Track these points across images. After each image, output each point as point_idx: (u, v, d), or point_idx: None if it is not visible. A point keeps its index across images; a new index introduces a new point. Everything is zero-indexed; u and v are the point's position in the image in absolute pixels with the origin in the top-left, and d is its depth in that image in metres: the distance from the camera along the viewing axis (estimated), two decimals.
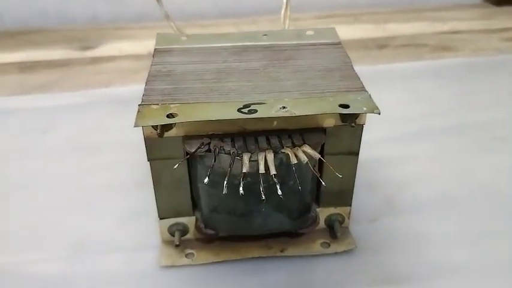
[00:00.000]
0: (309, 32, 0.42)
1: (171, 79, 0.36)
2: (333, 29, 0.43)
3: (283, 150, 0.32)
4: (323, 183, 0.33)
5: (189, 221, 0.39)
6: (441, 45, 0.78)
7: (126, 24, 0.83)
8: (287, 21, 0.46)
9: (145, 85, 0.35)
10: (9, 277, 0.39)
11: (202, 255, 0.39)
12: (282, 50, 0.40)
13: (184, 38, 0.42)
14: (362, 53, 0.75)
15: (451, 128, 0.57)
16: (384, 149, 0.53)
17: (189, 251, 0.39)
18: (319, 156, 0.33)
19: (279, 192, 0.31)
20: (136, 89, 0.63)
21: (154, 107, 0.32)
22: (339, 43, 0.41)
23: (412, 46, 0.78)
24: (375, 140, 0.52)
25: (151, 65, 0.38)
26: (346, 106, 0.32)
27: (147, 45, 0.75)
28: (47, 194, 0.47)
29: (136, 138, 0.53)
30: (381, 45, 0.78)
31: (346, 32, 0.43)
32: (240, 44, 0.41)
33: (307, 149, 0.32)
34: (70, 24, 0.81)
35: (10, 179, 0.49)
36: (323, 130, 0.34)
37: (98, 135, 0.55)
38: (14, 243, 0.42)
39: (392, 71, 0.70)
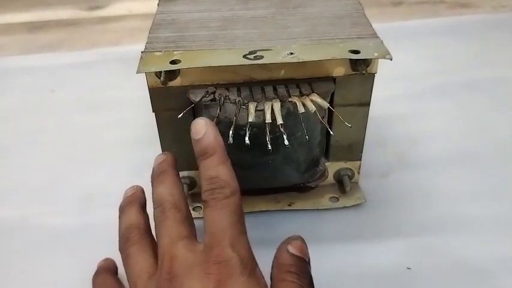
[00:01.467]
0: None
1: (176, 27, 0.35)
2: None
3: (290, 99, 0.31)
4: (331, 132, 0.32)
5: (196, 174, 0.38)
6: (459, 2, 0.75)
7: None
8: None
9: (149, 33, 0.34)
10: (21, 229, 0.40)
11: None
12: None
13: None
14: (376, 10, 0.72)
15: (467, 85, 0.55)
16: (398, 106, 0.51)
17: (196, 204, 0.39)
18: (328, 105, 0.32)
19: (286, 142, 0.30)
20: (144, 47, 0.63)
21: (158, 53, 0.31)
22: None
23: (429, 3, 0.75)
24: (389, 97, 0.51)
25: (156, 14, 0.37)
26: (356, 52, 0.30)
27: (155, 4, 0.73)
28: (57, 150, 0.47)
29: (145, 96, 0.53)
30: (396, 2, 0.75)
31: None
32: None
33: (316, 97, 0.31)
34: None
35: (20, 135, 0.49)
36: (333, 79, 0.33)
37: (106, 93, 0.55)
38: (25, 197, 0.43)
39: (408, 28, 0.67)
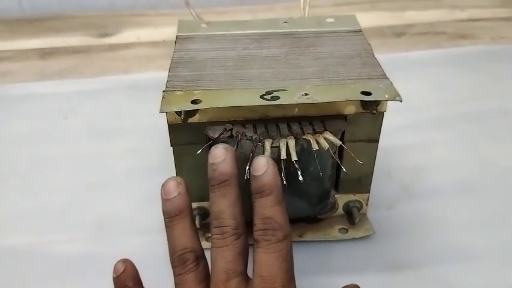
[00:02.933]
0: (329, 20, 0.43)
1: (194, 66, 0.36)
2: (353, 16, 0.43)
3: (304, 137, 0.33)
4: (344, 169, 0.33)
5: (208, 205, 0.39)
6: (459, 33, 0.77)
7: (144, 11, 0.83)
8: (307, 8, 0.46)
9: (169, 71, 0.36)
10: (32, 256, 0.41)
11: None
12: (303, 37, 0.40)
13: (205, 25, 0.43)
14: (379, 41, 0.74)
15: (469, 116, 0.56)
16: (401, 137, 0.53)
17: (209, 234, 0.40)
18: (340, 142, 0.33)
19: (300, 178, 0.32)
20: (153, 76, 0.65)
21: (179, 93, 0.33)
22: (360, 30, 0.41)
23: (430, 34, 0.77)
24: (392, 128, 0.52)
25: (174, 51, 0.38)
26: (368, 93, 0.32)
27: (164, 32, 0.75)
28: (68, 177, 0.49)
29: (155, 124, 0.54)
30: (398, 32, 0.77)
31: (362, 19, 0.43)
32: (261, 31, 0.41)
33: (329, 135, 0.33)
34: (88, 11, 0.81)
35: (31, 162, 0.50)
36: (344, 117, 0.35)
37: (117, 121, 0.56)
38: (35, 224, 0.44)
39: (410, 59, 0.70)
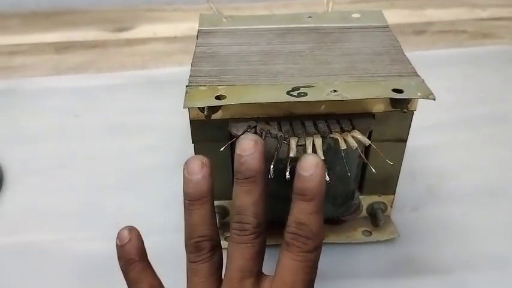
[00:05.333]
0: (355, 15, 0.41)
1: (217, 60, 0.35)
2: (380, 11, 0.42)
3: (331, 135, 0.32)
4: (373, 170, 0.32)
5: (229, 204, 0.38)
6: (481, 32, 0.75)
7: (159, 6, 0.82)
8: (331, 4, 0.45)
9: (192, 66, 0.34)
10: (52, 255, 0.40)
11: None
12: (328, 33, 0.39)
13: (226, 20, 0.41)
14: (399, 39, 0.72)
15: (493, 117, 0.55)
16: (423, 138, 0.51)
17: (228, 234, 0.39)
18: (370, 142, 0.32)
19: (327, 178, 0.31)
20: (170, 71, 0.64)
21: (202, 88, 0.32)
22: (387, 26, 0.40)
23: (451, 32, 0.75)
24: (413, 128, 0.51)
25: (196, 45, 0.37)
26: (399, 91, 0.31)
27: (180, 27, 0.74)
28: (86, 174, 0.48)
29: (173, 121, 0.53)
30: (418, 30, 0.75)
31: None
32: (284, 26, 0.40)
33: (357, 134, 0.32)
34: (104, 5, 0.81)
35: (49, 159, 0.50)
36: (372, 115, 0.34)
37: (135, 117, 0.55)
38: (55, 221, 0.43)
39: (431, 57, 0.68)
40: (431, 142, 0.51)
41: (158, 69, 0.64)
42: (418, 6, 0.85)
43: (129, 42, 0.71)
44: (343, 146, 0.31)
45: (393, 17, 0.81)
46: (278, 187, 0.35)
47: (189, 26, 0.74)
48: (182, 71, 0.63)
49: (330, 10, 0.45)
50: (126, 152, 0.50)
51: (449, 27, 0.77)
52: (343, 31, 0.39)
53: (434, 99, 0.30)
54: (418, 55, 0.68)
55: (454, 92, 0.61)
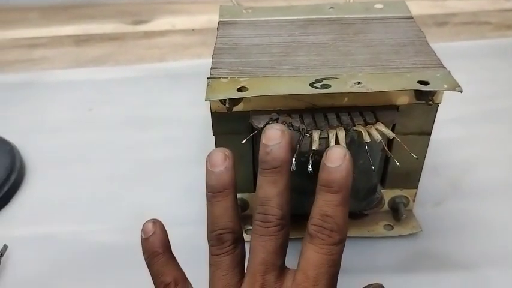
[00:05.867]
0: (378, 5, 0.41)
1: (238, 52, 0.35)
2: (403, 2, 0.41)
3: (355, 128, 0.31)
4: (397, 163, 0.31)
5: (249, 197, 0.38)
6: (505, 24, 0.74)
7: None
8: None
9: (213, 58, 0.34)
10: (71, 246, 0.40)
11: None
12: (350, 24, 0.38)
13: (247, 11, 0.41)
14: None
15: None
16: (446, 131, 0.50)
17: (248, 227, 0.39)
18: (394, 135, 0.31)
19: None
20: (189, 64, 0.64)
21: (224, 80, 0.31)
22: (411, 17, 0.39)
23: (474, 24, 0.74)
24: (438, 121, 0.50)
25: (217, 37, 0.37)
26: (425, 83, 0.30)
27: (198, 20, 0.74)
28: (105, 166, 0.48)
29: (193, 113, 0.53)
30: (440, 22, 0.74)
31: None
32: (305, 17, 0.40)
33: (381, 127, 0.31)
34: None
35: (68, 150, 0.50)
36: (396, 108, 0.33)
37: (154, 110, 0.55)
38: (74, 213, 0.43)
39: (453, 49, 0.67)
40: (454, 136, 0.50)
41: (176, 61, 0.64)
42: None
43: (147, 35, 0.71)
44: (366, 138, 0.30)
45: (414, 8, 0.79)
46: (300, 180, 0.34)
47: (207, 18, 0.74)
48: (201, 63, 0.63)
49: (351, 1, 0.44)
50: (145, 144, 0.50)
51: (472, 19, 0.75)
52: (365, 22, 0.38)
53: (461, 92, 0.30)
54: (440, 47, 0.66)
55: (476, 84, 0.59)
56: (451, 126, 0.51)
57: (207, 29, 0.71)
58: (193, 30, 0.72)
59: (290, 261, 0.37)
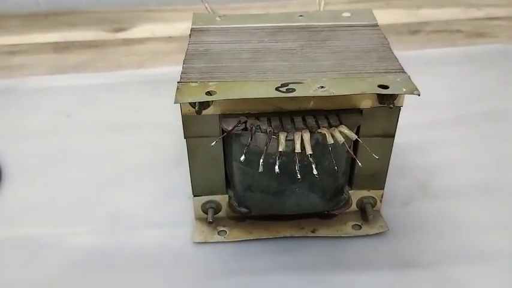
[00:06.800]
0: (346, 14, 0.42)
1: (209, 58, 0.36)
2: (370, 10, 0.43)
3: (319, 130, 0.33)
4: (359, 163, 0.33)
5: (222, 199, 0.39)
6: (476, 32, 0.76)
7: (157, 6, 0.83)
8: (322, 3, 0.46)
9: (184, 63, 0.35)
10: (48, 248, 0.41)
11: (234, 233, 0.39)
12: (319, 31, 0.40)
13: (219, 18, 0.42)
14: (394, 38, 0.73)
15: (485, 115, 0.56)
16: (417, 134, 0.52)
17: (221, 228, 0.40)
18: (356, 137, 0.33)
19: (315, 172, 0.32)
20: (167, 70, 0.65)
21: (193, 84, 0.33)
22: (376, 25, 0.41)
23: (446, 32, 0.76)
24: (407, 125, 0.51)
25: (189, 43, 0.38)
26: (385, 87, 0.31)
27: (177, 27, 0.75)
28: (83, 170, 0.49)
29: (170, 119, 0.54)
30: (413, 30, 0.76)
31: (377, 16, 0.43)
32: (276, 24, 0.41)
33: (344, 129, 0.32)
34: (102, 6, 0.82)
35: (46, 156, 0.50)
36: (359, 111, 0.34)
37: (132, 115, 0.56)
38: (52, 216, 0.44)
39: (426, 56, 0.69)
40: (424, 139, 0.52)
41: (155, 68, 0.65)
42: (414, 5, 0.86)
43: (127, 42, 0.72)
44: (330, 140, 0.32)
45: (388, 16, 0.82)
46: (268, 181, 0.36)
47: (186, 26, 0.74)
48: (179, 70, 0.64)
49: (321, 9, 0.46)
50: (123, 149, 0.51)
51: (444, 27, 0.78)
52: (333, 29, 0.40)
53: (419, 95, 0.31)
54: (413, 54, 0.70)
55: (449, 90, 0.61)
56: (421, 130, 0.53)
57: (185, 37, 0.72)
58: (169, 37, 0.73)
59: (282, 260, 0.38)
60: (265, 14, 0.43)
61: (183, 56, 0.69)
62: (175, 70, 0.64)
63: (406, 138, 0.50)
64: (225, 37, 0.39)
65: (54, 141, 0.52)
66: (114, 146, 0.52)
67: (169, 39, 0.73)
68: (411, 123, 0.53)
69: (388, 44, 0.38)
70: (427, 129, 0.54)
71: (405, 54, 0.68)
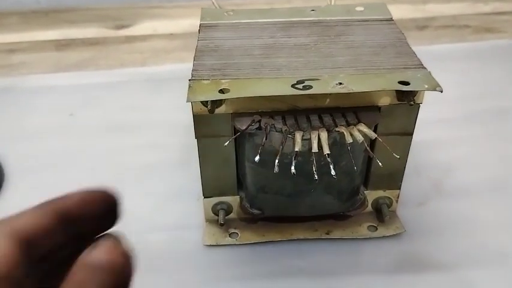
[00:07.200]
0: (359, 8, 0.41)
1: (219, 54, 0.35)
2: (384, 4, 0.41)
3: (337, 129, 0.31)
4: (379, 163, 0.31)
5: (233, 200, 0.38)
6: (484, 27, 0.75)
7: (159, 3, 0.82)
8: None
9: (194, 60, 0.34)
10: None
11: (246, 235, 0.38)
12: (332, 26, 0.38)
13: (229, 14, 0.41)
14: None
15: (498, 111, 0.54)
16: (426, 131, 0.50)
17: (232, 230, 0.39)
18: (376, 135, 0.31)
19: (333, 172, 0.30)
20: (170, 68, 0.63)
21: (205, 82, 0.31)
22: (391, 19, 0.39)
23: (454, 27, 0.75)
24: (419, 122, 0.51)
25: (198, 40, 0.37)
26: (406, 83, 0.30)
27: (180, 24, 0.74)
28: (86, 172, 0.47)
29: (173, 118, 0.53)
30: (421, 26, 0.75)
31: None
32: (287, 19, 0.40)
33: (363, 127, 0.31)
34: (104, 2, 0.80)
35: (47, 157, 0.49)
36: (377, 108, 0.33)
37: (134, 114, 0.54)
38: None
39: (434, 52, 0.67)
40: (436, 137, 0.50)
41: (158, 66, 0.64)
42: (420, 1, 0.85)
43: (129, 39, 0.70)
44: (349, 139, 0.31)
45: (395, 12, 0.80)
46: (282, 182, 0.34)
47: (189, 23, 0.74)
48: (183, 68, 0.62)
49: (333, 3, 0.45)
50: (126, 150, 0.50)
51: (451, 22, 0.76)
52: (347, 24, 0.39)
53: (442, 91, 0.30)
54: (420, 50, 0.68)
55: (458, 86, 0.60)
56: (432, 127, 0.52)
57: (188, 33, 0.71)
58: (171, 34, 0.71)
59: (296, 263, 0.36)
60: (275, 9, 0.42)
61: (186, 54, 0.68)
62: (178, 68, 0.64)
63: (415, 135, 0.49)
64: (235, 33, 0.38)
65: (55, 142, 0.51)
66: (116, 147, 0.50)
67: (171, 36, 0.72)
68: (420, 120, 0.52)
69: (405, 38, 0.37)
70: (437, 126, 0.52)
71: (414, 50, 0.67)
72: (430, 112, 0.53)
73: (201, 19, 0.40)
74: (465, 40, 0.71)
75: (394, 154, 0.31)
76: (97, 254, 0.20)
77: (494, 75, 0.62)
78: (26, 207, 0.40)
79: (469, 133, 0.52)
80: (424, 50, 0.68)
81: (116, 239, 0.21)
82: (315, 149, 0.30)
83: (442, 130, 0.52)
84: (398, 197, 0.39)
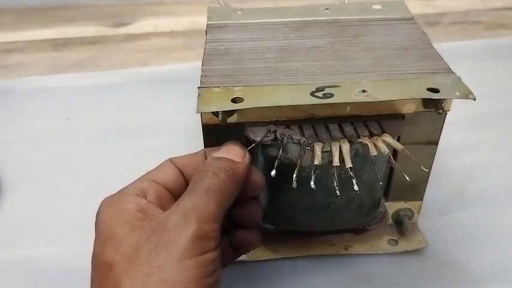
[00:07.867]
0: (376, 6, 0.38)
1: (230, 58, 0.32)
2: (402, 1, 0.39)
3: (360, 140, 0.29)
4: (407, 178, 0.29)
5: None
6: (497, 23, 0.72)
7: None
8: None
9: (203, 65, 0.31)
10: (52, 270, 0.37)
11: (259, 251, 0.36)
12: (348, 26, 0.36)
13: (237, 13, 0.38)
14: None
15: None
16: (445, 136, 0.48)
17: None
18: (402, 147, 0.29)
19: (356, 188, 0.28)
20: (173, 68, 0.61)
21: (216, 89, 0.29)
22: (411, 18, 0.37)
23: (466, 23, 0.72)
24: None
25: (206, 42, 0.34)
26: (435, 90, 0.28)
27: (182, 21, 0.71)
28: (86, 179, 0.45)
29: (178, 121, 0.50)
30: (432, 22, 0.72)
31: None
32: (300, 19, 0.37)
33: (388, 138, 0.29)
34: None
35: (47, 163, 0.47)
36: (401, 117, 0.31)
37: (138, 117, 0.52)
38: (56, 234, 0.40)
39: (446, 49, 0.64)
40: (454, 141, 0.47)
41: (161, 65, 0.61)
42: None
43: (129, 38, 0.68)
44: (373, 151, 0.28)
45: None
46: (298, 196, 0.32)
47: (190, 20, 0.71)
48: (186, 67, 0.60)
49: (346, 1, 0.42)
50: (128, 154, 0.47)
51: (463, 18, 0.74)
52: (364, 24, 0.36)
53: (475, 99, 0.27)
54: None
55: (472, 85, 0.57)
56: (450, 131, 0.49)
57: (191, 31, 0.68)
58: (172, 32, 0.69)
59: (313, 281, 0.34)
60: (286, 7, 0.39)
61: (189, 52, 0.65)
62: (182, 67, 0.61)
63: None
64: (245, 34, 0.35)
65: (54, 148, 0.48)
66: (118, 152, 0.48)
67: (173, 34, 0.69)
68: None
69: (428, 39, 0.34)
70: (453, 129, 0.49)
71: None
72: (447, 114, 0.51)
73: (208, 19, 0.37)
74: (479, 37, 0.68)
75: (422, 167, 0.29)
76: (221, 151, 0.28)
77: (509, 73, 0.60)
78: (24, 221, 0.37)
79: (486, 136, 0.49)
80: (436, 47, 0.66)
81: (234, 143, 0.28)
82: (336, 162, 0.28)
83: (458, 133, 0.49)
84: (420, 208, 0.36)
